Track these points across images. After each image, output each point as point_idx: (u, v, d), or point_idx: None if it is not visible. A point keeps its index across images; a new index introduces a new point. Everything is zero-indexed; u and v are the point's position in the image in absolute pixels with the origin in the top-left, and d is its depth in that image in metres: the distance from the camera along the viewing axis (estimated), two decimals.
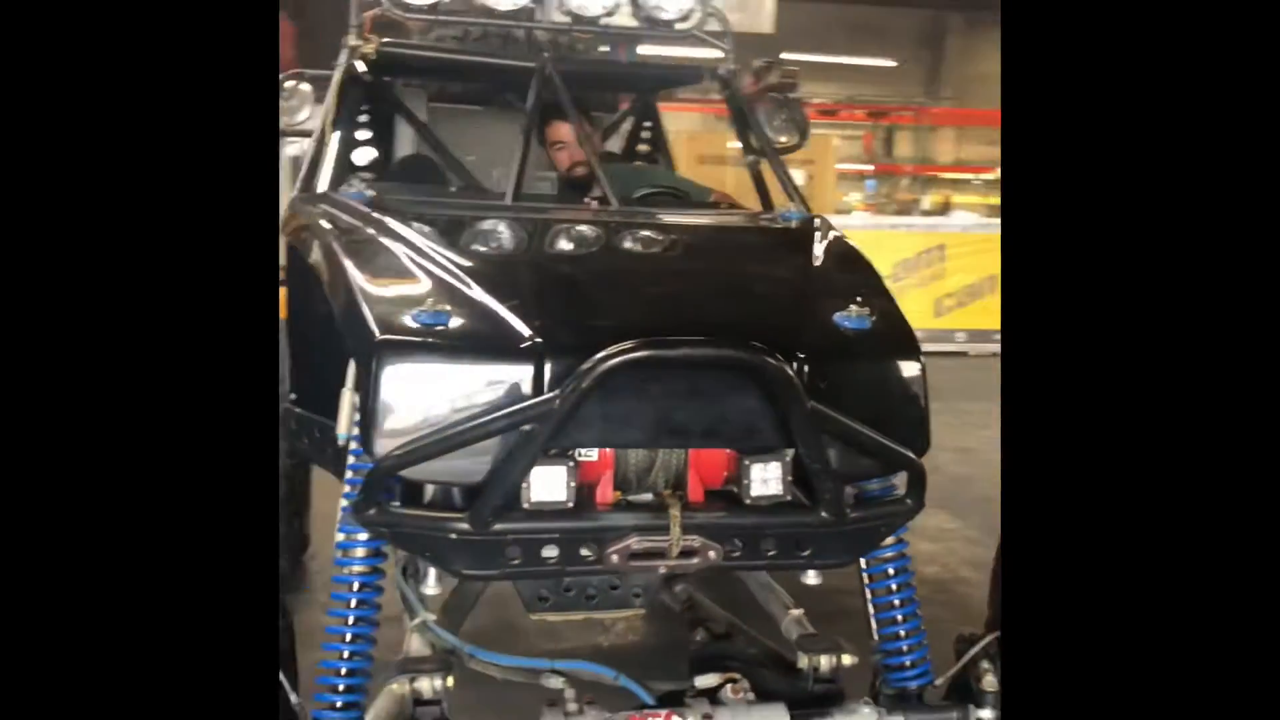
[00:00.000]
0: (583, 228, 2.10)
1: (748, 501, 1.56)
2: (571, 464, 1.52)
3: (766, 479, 1.56)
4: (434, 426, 1.52)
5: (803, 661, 1.79)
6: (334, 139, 2.54)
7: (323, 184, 2.44)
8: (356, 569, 1.67)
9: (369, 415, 1.55)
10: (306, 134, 2.76)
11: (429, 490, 1.61)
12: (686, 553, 1.54)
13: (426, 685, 1.65)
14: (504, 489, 1.48)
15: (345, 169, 2.53)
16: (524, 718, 1.69)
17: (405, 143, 3.15)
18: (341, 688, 1.65)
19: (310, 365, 2.35)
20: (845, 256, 2.04)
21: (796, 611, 1.98)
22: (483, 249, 1.93)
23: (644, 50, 3.54)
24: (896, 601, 1.81)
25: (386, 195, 2.17)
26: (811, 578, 1.81)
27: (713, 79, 2.97)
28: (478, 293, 1.67)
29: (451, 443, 1.48)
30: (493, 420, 1.47)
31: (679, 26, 2.92)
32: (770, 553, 1.59)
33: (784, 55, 4.66)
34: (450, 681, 1.67)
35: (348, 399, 1.78)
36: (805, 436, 1.52)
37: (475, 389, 1.54)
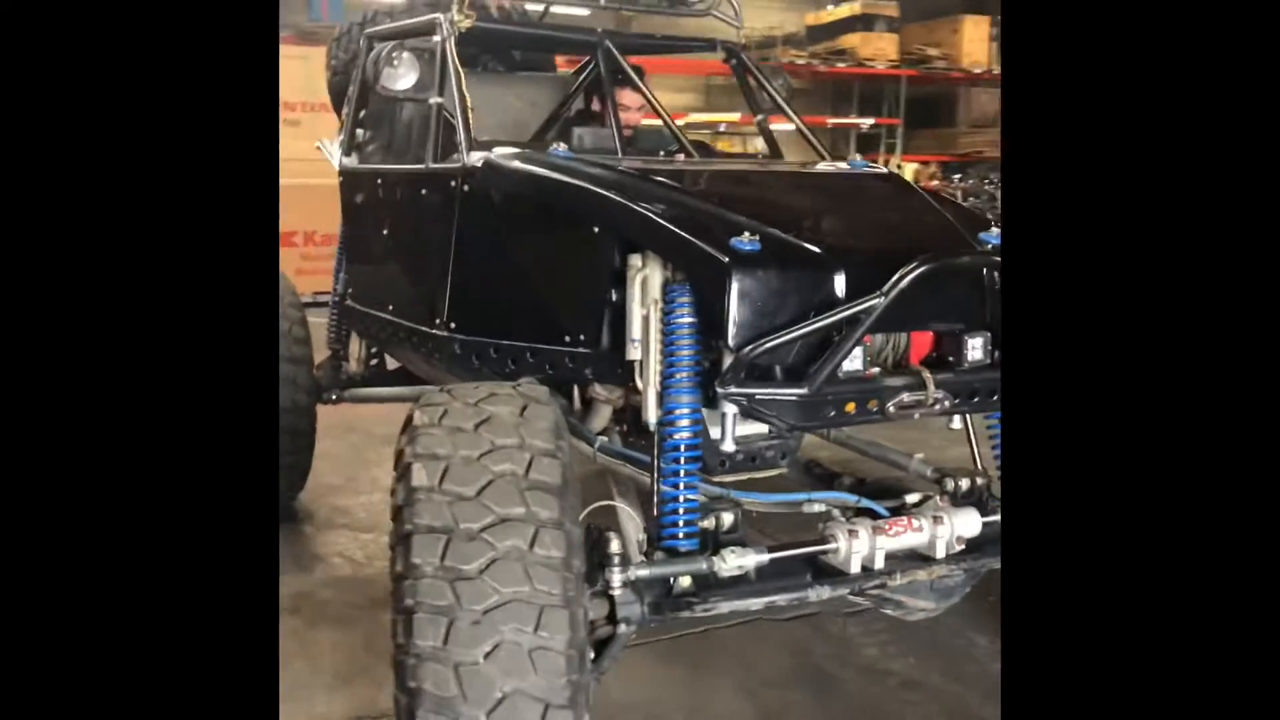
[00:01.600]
0: (764, 174, 2.71)
1: (965, 365, 2.28)
2: (864, 344, 2.18)
3: (976, 348, 2.29)
4: (771, 322, 2.12)
5: (949, 485, 2.54)
6: (457, 104, 2.96)
7: (464, 145, 2.86)
8: (684, 434, 2.24)
9: (724, 318, 2.12)
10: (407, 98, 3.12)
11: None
12: (934, 402, 2.24)
13: (728, 518, 2.26)
14: (835, 365, 2.12)
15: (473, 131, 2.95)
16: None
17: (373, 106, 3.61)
18: (683, 522, 2.23)
19: (488, 298, 2.81)
20: (933, 192, 2.79)
21: (919, 455, 2.74)
22: (719, 190, 2.50)
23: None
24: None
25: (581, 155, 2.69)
26: (956, 423, 2.57)
27: (724, 49, 3.61)
28: (756, 224, 2.26)
29: (805, 333, 2.09)
30: (838, 315, 2.09)
31: (698, 6, 3.56)
32: (975, 399, 2.32)
33: None
34: (739, 514, 2.29)
35: (639, 316, 2.33)
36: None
37: (800, 294, 2.15)
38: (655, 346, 2.30)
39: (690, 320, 2.24)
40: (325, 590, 3.37)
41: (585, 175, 2.54)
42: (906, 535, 2.29)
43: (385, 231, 3.38)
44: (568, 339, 2.66)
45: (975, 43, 14.29)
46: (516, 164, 2.71)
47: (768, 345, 2.08)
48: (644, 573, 2.09)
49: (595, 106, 3.76)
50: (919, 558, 2.33)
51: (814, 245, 2.22)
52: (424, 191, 3.06)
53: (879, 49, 13.75)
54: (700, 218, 2.30)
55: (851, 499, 2.41)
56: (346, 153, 3.69)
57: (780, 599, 2.21)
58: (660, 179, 2.54)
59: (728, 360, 2.20)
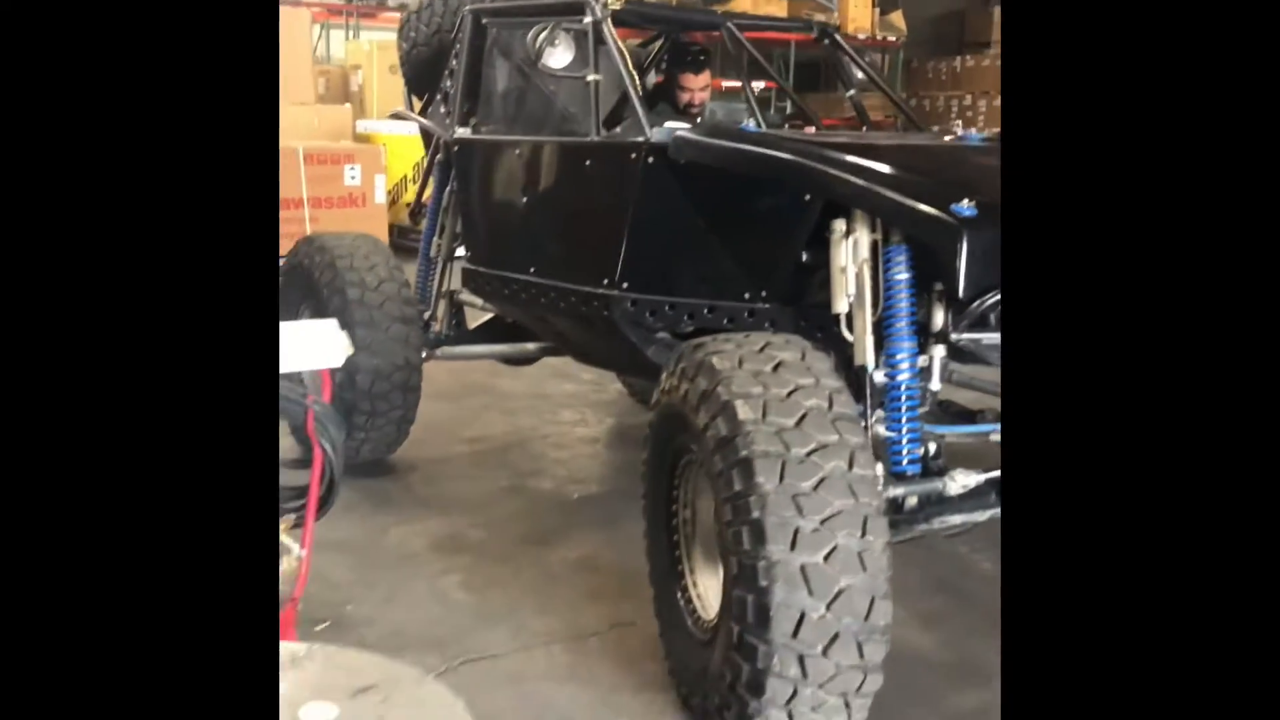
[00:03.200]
0: (907, 145, 3.08)
1: None
2: None
3: None
4: (993, 278, 2.50)
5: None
6: (627, 81, 3.24)
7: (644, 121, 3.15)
8: (905, 374, 2.61)
9: (957, 274, 2.48)
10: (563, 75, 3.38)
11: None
12: None
13: (933, 446, 2.66)
14: None
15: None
16: None
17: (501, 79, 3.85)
18: (906, 451, 2.61)
19: (661, 261, 3.12)
20: None
21: None
22: (903, 160, 2.85)
23: None
24: None
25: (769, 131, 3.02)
26: None
27: (819, 29, 3.97)
28: (958, 190, 2.62)
29: None
30: None
31: None
32: None
33: None
34: (941, 444, 2.70)
35: (851, 272, 2.68)
36: None
37: None
38: (868, 299, 2.66)
39: (908, 277, 2.61)
40: (474, 531, 3.64)
41: (790, 147, 2.87)
42: None
43: (526, 199, 3.62)
44: (747, 295, 3.00)
45: (859, 8, 14.93)
46: (715, 139, 3.02)
47: (998, 296, 2.47)
48: (898, 490, 2.47)
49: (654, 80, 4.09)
50: None
51: None
52: (589, 162, 3.33)
53: (767, 13, 14.30)
54: (910, 186, 2.66)
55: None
56: (462, 123, 3.91)
57: (998, 511, 2.62)
58: (851, 152, 2.88)
59: (939, 314, 2.58)
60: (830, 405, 2.25)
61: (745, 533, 2.13)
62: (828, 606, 2.09)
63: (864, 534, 2.12)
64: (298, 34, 9.18)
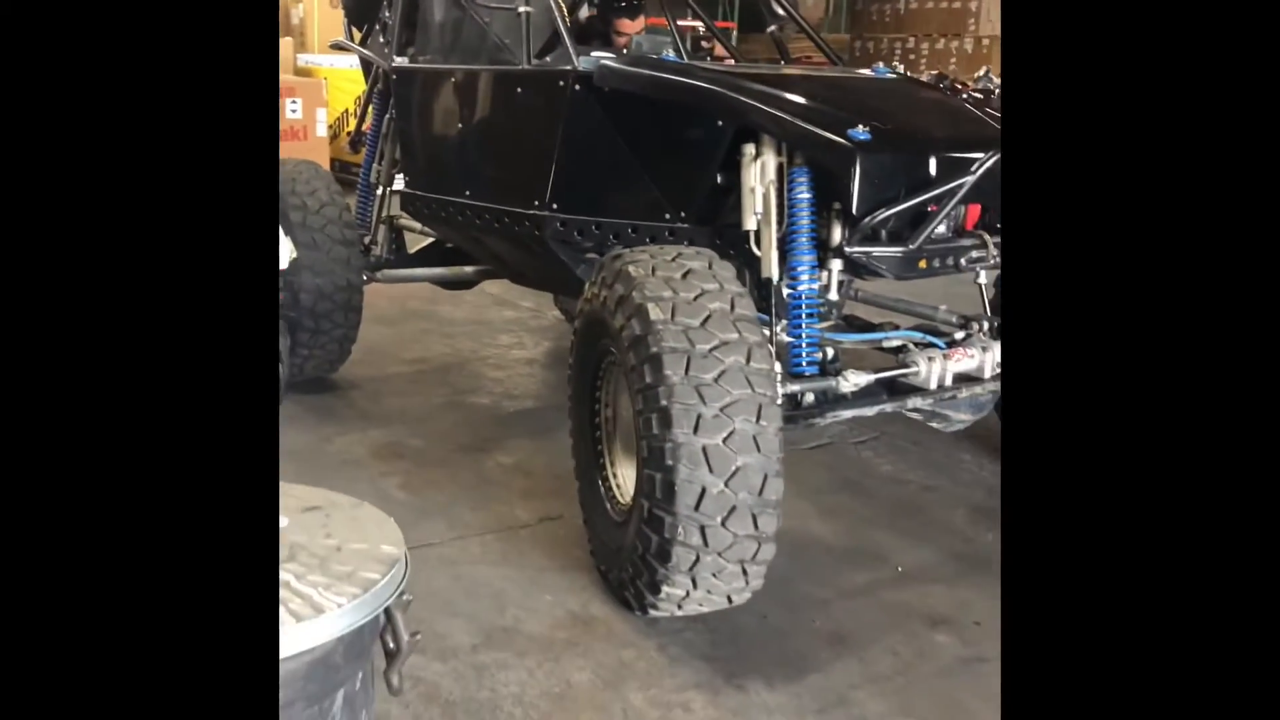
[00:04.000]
0: (814, 76, 3.33)
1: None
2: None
3: None
4: (882, 197, 2.76)
5: (974, 326, 3.29)
6: (556, 12, 3.43)
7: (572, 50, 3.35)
8: (806, 285, 2.87)
9: (850, 193, 2.74)
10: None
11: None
12: (993, 258, 2.95)
13: (831, 351, 2.94)
14: (932, 228, 2.79)
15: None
16: None
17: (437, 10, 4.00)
18: (806, 354, 2.88)
19: (588, 184, 3.34)
20: (951, 91, 3.47)
21: (944, 306, 3.48)
22: (807, 90, 3.09)
23: None
24: None
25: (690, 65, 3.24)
26: (984, 277, 3.30)
27: None
28: (856, 116, 2.87)
29: (921, 203, 2.75)
30: (950, 190, 2.75)
31: None
32: None
33: None
34: (837, 350, 2.98)
35: (759, 192, 2.93)
36: None
37: (905, 172, 2.80)
38: (774, 216, 2.91)
39: (809, 196, 2.87)
40: (413, 440, 3.87)
41: (706, 76, 3.10)
42: (965, 361, 3.03)
43: (461, 126, 3.82)
44: (667, 216, 3.24)
45: None
46: (638, 68, 3.23)
47: (888, 213, 2.74)
48: (795, 387, 2.76)
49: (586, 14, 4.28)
50: (970, 379, 3.07)
51: (908, 135, 2.87)
52: (520, 90, 3.53)
53: None
54: (812, 113, 2.91)
55: (917, 336, 3.12)
56: (401, 53, 4.08)
57: (887, 406, 2.92)
58: (760, 84, 3.11)
59: (837, 230, 2.85)
60: (732, 308, 2.51)
61: (655, 419, 2.39)
62: (726, 482, 2.36)
63: (759, 420, 2.39)
64: None
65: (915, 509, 3.44)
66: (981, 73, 14.70)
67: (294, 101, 8.86)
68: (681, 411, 2.36)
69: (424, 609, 2.64)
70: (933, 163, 2.82)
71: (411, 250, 4.69)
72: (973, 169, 2.77)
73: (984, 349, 3.06)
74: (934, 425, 3.23)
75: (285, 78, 9.20)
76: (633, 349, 2.48)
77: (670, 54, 3.35)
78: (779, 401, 2.50)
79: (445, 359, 4.97)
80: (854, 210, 2.76)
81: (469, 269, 4.49)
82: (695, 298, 2.50)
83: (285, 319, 3.92)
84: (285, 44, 9.91)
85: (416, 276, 4.57)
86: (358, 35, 4.67)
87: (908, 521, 3.33)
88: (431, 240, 4.59)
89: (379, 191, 4.46)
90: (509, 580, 2.89)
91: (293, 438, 3.70)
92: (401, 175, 4.24)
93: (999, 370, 3.12)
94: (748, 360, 2.43)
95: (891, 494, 3.56)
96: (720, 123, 3.02)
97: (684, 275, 2.55)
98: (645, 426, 2.42)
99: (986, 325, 3.26)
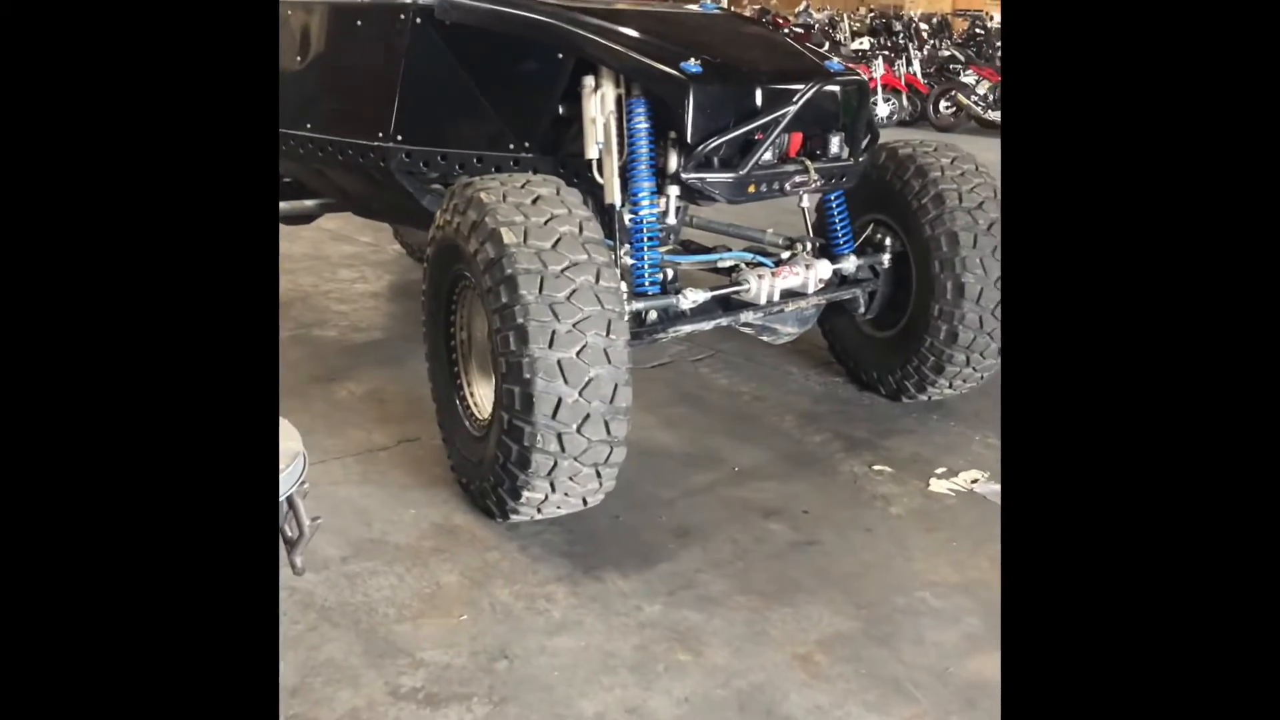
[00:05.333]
0: (650, 11, 3.50)
1: (829, 156, 3.26)
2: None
3: (835, 144, 3.27)
4: (714, 125, 2.98)
5: (798, 246, 3.57)
6: None
7: None
8: (646, 210, 3.08)
9: (685, 122, 2.94)
10: None
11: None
12: (814, 182, 3.21)
13: (671, 272, 3.17)
14: (759, 155, 3.03)
15: None
16: None
17: None
18: (648, 275, 3.09)
19: (432, 116, 3.44)
20: (777, 30, 3.71)
21: (770, 229, 3.75)
22: (645, 25, 3.26)
23: None
24: (838, 207, 3.64)
25: None
26: (804, 200, 3.57)
27: None
28: (689, 50, 3.07)
29: (748, 132, 2.97)
30: (774, 119, 2.98)
31: None
32: (833, 180, 3.32)
33: None
34: (677, 271, 3.21)
35: (600, 123, 3.10)
36: (867, 120, 3.27)
37: (734, 103, 3.02)
38: (614, 146, 3.10)
39: (647, 126, 3.06)
40: None
41: (546, 11, 3.23)
42: (791, 278, 3.31)
43: (301, 58, 3.82)
44: (512, 146, 3.39)
45: None
46: (479, 2, 3.33)
47: (719, 141, 2.96)
48: (636, 305, 2.97)
49: None
50: (796, 294, 3.36)
51: (736, 68, 3.09)
52: (360, 23, 3.57)
53: None
54: (648, 47, 3.09)
55: (748, 256, 3.38)
56: None
57: (722, 321, 3.17)
58: (598, 18, 3.27)
59: (673, 158, 3.06)
60: (580, 231, 2.69)
61: (512, 337, 2.56)
62: (580, 392, 2.56)
63: (609, 334, 2.59)
64: None
65: (749, 417, 3.73)
66: (801, 8, 15.30)
67: None
68: (537, 328, 2.54)
69: None
70: (758, 94, 3.05)
71: None
72: (794, 99, 3.02)
73: (807, 266, 3.35)
74: (764, 339, 3.52)
75: None
76: (488, 272, 2.63)
77: None
78: (626, 318, 2.71)
79: (288, 294, 4.97)
80: (688, 139, 2.96)
81: (309, 202, 4.50)
82: (545, 222, 2.66)
83: None
84: None
85: None
86: None
87: (742, 428, 3.62)
88: None
89: None
90: (372, 498, 3.02)
91: None
92: None
93: (821, 285, 3.42)
94: (597, 279, 2.62)
95: (727, 405, 3.85)
96: (560, 55, 3.16)
97: (534, 201, 2.71)
98: (503, 344, 2.59)
99: (810, 246, 3.54)
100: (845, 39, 14.96)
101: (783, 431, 3.61)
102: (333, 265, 5.58)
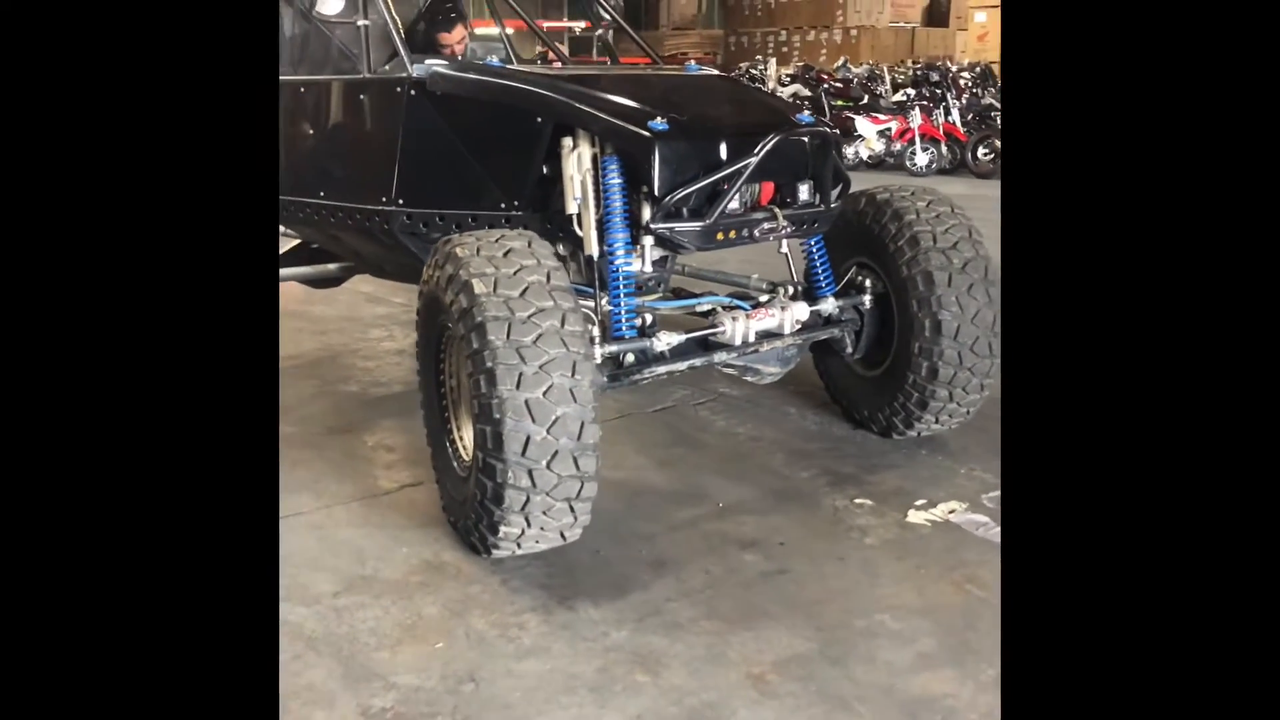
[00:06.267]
0: (627, 75, 3.71)
1: (798, 203, 3.42)
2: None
3: (804, 191, 3.42)
4: (680, 178, 3.16)
5: (780, 291, 3.72)
6: (390, 25, 3.76)
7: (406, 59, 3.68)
8: (621, 259, 3.26)
9: (652, 176, 3.13)
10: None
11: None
12: (783, 229, 3.37)
13: (649, 317, 3.34)
14: (725, 204, 3.19)
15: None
16: None
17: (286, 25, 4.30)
18: (625, 320, 3.26)
19: (429, 180, 3.68)
20: (752, 86, 3.89)
21: (755, 275, 3.91)
22: (620, 89, 3.47)
23: None
24: (818, 251, 3.77)
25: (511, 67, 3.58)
26: (784, 246, 3.72)
27: None
28: (658, 109, 3.26)
29: (714, 183, 3.15)
30: (737, 170, 3.15)
31: None
32: (804, 226, 3.47)
33: None
34: (656, 316, 3.37)
35: (578, 180, 3.31)
36: (833, 169, 3.43)
37: (700, 156, 3.20)
38: (591, 201, 3.29)
39: (620, 181, 3.25)
40: (284, 427, 4.15)
41: (524, 79, 3.46)
42: (766, 320, 3.46)
43: (313, 131, 4.11)
44: (503, 205, 3.60)
45: None
46: (464, 73, 3.58)
47: (684, 193, 3.13)
48: (613, 348, 3.14)
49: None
50: (773, 335, 3.50)
51: (702, 124, 3.28)
52: (363, 96, 3.84)
53: None
54: (619, 108, 3.29)
55: (726, 300, 3.54)
56: None
57: (696, 362, 3.32)
58: (575, 84, 3.48)
59: (646, 210, 3.24)
60: (548, 280, 2.87)
61: (482, 380, 2.74)
62: (548, 430, 2.72)
63: (574, 375, 2.76)
64: None
65: (741, 456, 3.86)
66: (840, 63, 15.55)
67: None
68: (505, 370, 2.71)
69: (290, 565, 2.95)
70: (723, 146, 3.22)
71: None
72: (756, 151, 3.19)
73: (783, 309, 3.49)
74: (748, 379, 3.66)
75: None
76: (462, 320, 2.82)
77: (495, 59, 3.69)
78: (594, 360, 2.87)
79: (317, 353, 5.23)
80: (656, 191, 3.14)
81: (332, 266, 4.77)
82: (515, 272, 2.85)
83: None
84: None
85: (283, 276, 4.83)
86: None
87: (733, 467, 3.74)
88: (296, 242, 4.86)
89: None
90: (370, 538, 3.20)
91: None
92: None
93: (799, 325, 3.55)
94: (562, 324, 2.79)
95: (721, 445, 3.98)
96: (539, 119, 3.38)
97: (505, 254, 2.91)
98: (475, 387, 2.77)
99: (790, 289, 3.69)
100: (886, 91, 15.15)
101: (771, 469, 3.72)
102: (364, 325, 5.85)
